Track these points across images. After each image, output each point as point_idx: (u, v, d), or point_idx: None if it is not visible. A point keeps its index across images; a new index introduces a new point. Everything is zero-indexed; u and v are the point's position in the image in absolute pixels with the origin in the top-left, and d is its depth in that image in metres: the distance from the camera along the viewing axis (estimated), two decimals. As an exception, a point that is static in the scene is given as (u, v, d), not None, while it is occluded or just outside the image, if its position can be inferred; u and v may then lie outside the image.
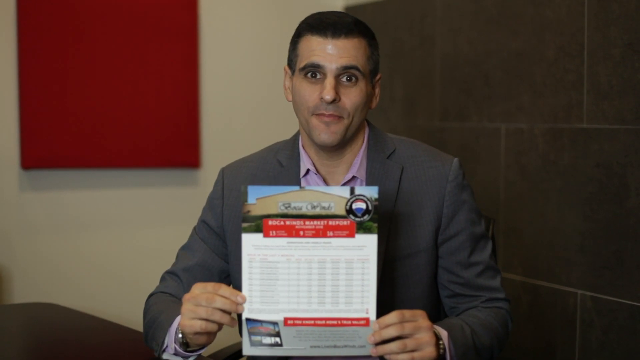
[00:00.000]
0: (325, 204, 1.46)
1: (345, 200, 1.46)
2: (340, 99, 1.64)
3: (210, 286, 1.49)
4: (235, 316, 1.52)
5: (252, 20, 3.34)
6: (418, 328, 1.46)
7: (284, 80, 1.78)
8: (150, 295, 1.79)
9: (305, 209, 1.46)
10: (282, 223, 1.46)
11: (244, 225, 1.46)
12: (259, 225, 1.46)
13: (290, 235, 1.46)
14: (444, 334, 1.54)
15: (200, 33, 3.21)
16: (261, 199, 1.46)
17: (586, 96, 2.45)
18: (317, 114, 1.65)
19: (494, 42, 2.78)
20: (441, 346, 1.50)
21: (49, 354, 1.91)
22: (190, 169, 3.23)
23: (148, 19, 3.07)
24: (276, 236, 1.46)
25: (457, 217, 1.71)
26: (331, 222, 1.46)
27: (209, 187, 1.87)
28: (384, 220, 1.65)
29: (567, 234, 2.52)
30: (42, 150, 2.92)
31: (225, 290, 1.48)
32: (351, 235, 1.46)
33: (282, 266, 1.46)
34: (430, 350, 1.47)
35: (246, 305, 1.47)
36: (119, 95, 3.03)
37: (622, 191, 2.34)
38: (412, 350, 1.45)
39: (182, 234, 2.13)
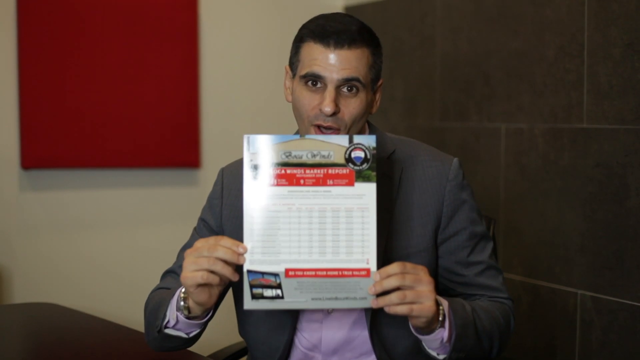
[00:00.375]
0: (325, 153, 1.47)
1: (344, 149, 1.47)
2: (339, 110, 1.63)
3: (212, 238, 1.49)
4: (237, 272, 1.50)
5: (252, 20, 3.34)
6: (419, 280, 1.46)
7: (284, 79, 1.77)
8: (150, 294, 1.79)
9: (306, 158, 1.47)
10: (283, 172, 1.47)
11: (246, 174, 1.47)
12: (260, 174, 1.47)
13: (291, 184, 1.46)
14: (444, 302, 1.53)
15: (200, 33, 3.21)
16: (262, 147, 1.47)
17: (586, 96, 2.45)
18: (316, 125, 1.65)
19: (494, 42, 2.78)
20: (441, 311, 1.50)
21: (49, 354, 1.91)
22: (190, 169, 3.23)
23: (148, 19, 3.07)
24: (277, 185, 1.46)
25: (456, 217, 1.71)
26: (331, 171, 1.47)
27: (209, 187, 1.87)
28: (384, 220, 1.65)
29: (567, 234, 2.52)
30: (42, 150, 2.92)
31: (227, 241, 1.47)
32: (350, 184, 1.47)
33: (283, 215, 1.46)
34: (429, 305, 1.46)
35: (248, 256, 1.46)
36: (119, 95, 3.03)
37: (622, 191, 2.34)
38: (412, 302, 1.44)
39: (182, 234, 2.13)
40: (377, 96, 1.74)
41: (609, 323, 2.39)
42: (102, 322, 2.16)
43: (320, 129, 1.64)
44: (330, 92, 1.62)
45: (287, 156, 1.47)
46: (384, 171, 1.71)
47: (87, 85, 2.98)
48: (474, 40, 2.87)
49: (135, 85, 3.05)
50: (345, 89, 1.64)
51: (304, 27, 1.69)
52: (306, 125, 1.66)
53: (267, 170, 1.46)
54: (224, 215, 1.78)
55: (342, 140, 1.47)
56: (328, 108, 1.61)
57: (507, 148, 2.74)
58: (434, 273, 1.73)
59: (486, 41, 2.82)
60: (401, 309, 1.44)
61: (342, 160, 1.47)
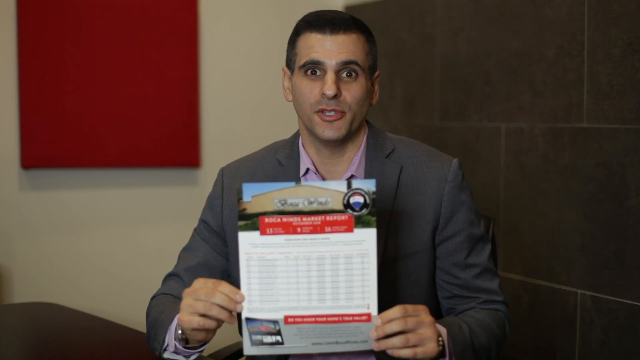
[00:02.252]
0: (322, 199, 1.44)
1: (343, 195, 1.44)
2: (341, 94, 1.64)
3: (210, 282, 1.49)
4: (235, 314, 1.51)
5: (252, 20, 3.34)
6: (421, 323, 1.46)
7: (282, 81, 1.78)
8: (152, 298, 1.79)
9: (302, 205, 1.44)
10: (278, 220, 1.44)
11: (240, 223, 1.44)
12: (255, 223, 1.44)
13: (287, 232, 1.44)
14: (443, 331, 1.54)
15: (200, 33, 3.21)
16: (256, 196, 1.44)
17: (586, 96, 2.45)
18: (319, 111, 1.65)
19: (494, 41, 2.78)
20: (440, 343, 1.50)
21: (49, 354, 1.91)
22: (190, 169, 3.23)
23: (148, 19, 3.07)
24: (273, 234, 1.44)
25: (455, 218, 1.71)
26: (329, 218, 1.44)
27: (209, 187, 1.87)
28: (382, 220, 1.65)
29: (567, 234, 2.52)
30: (42, 150, 2.92)
31: (225, 287, 1.47)
32: (350, 230, 1.44)
33: (281, 264, 1.45)
34: (432, 346, 1.46)
35: (245, 305, 1.45)
36: (119, 95, 3.03)
37: (622, 191, 2.34)
38: (415, 346, 1.45)
39: (182, 234, 2.13)
40: (376, 88, 1.75)
41: (609, 323, 2.39)
42: (102, 322, 2.16)
43: (324, 113, 1.64)
44: (330, 76, 1.63)
45: (282, 204, 1.44)
46: (384, 171, 1.71)
47: (87, 85, 2.98)
48: (473, 40, 2.87)
49: (135, 85, 3.05)
50: (344, 74, 1.65)
51: (298, 23, 1.72)
52: (308, 114, 1.67)
53: (262, 219, 1.44)
54: (224, 215, 1.78)
55: (340, 186, 1.44)
56: (330, 91, 1.62)
57: (507, 148, 2.74)
58: (432, 273, 1.73)
59: (486, 41, 2.82)
60: (405, 353, 1.45)
61: (340, 207, 1.44)
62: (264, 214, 1.44)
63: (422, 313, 1.47)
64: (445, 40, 3.01)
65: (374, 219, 1.44)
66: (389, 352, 1.45)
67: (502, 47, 2.76)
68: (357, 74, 1.66)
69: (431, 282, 1.74)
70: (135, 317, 2.71)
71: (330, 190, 1.44)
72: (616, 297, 2.37)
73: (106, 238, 3.10)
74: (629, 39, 2.31)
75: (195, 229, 1.84)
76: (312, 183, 1.47)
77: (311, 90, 1.66)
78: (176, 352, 1.63)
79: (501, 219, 2.76)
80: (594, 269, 2.44)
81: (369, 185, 1.44)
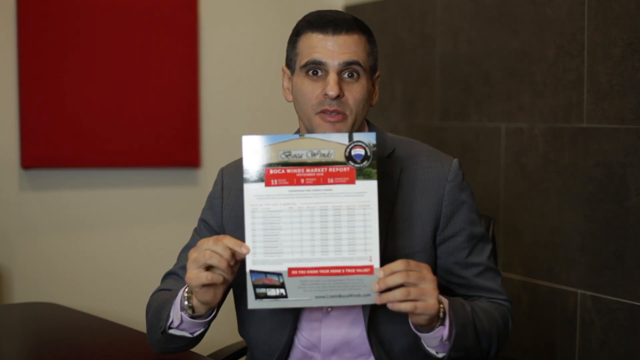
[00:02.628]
0: (325, 151, 1.47)
1: (344, 147, 1.47)
2: (343, 95, 1.64)
3: (214, 237, 1.51)
4: (235, 270, 1.51)
5: (252, 20, 3.34)
6: (422, 278, 1.46)
7: (282, 81, 1.77)
8: (151, 296, 1.79)
9: (306, 157, 1.47)
10: (283, 171, 1.47)
11: (246, 175, 1.47)
12: (260, 174, 1.47)
13: (291, 183, 1.47)
14: (445, 301, 1.53)
15: (200, 33, 3.21)
16: (262, 147, 1.47)
17: (586, 96, 2.45)
18: (320, 113, 1.65)
19: (494, 41, 2.78)
20: (441, 310, 1.50)
21: (49, 354, 1.91)
22: (190, 169, 3.23)
23: (148, 19, 3.07)
24: (278, 185, 1.47)
25: (455, 218, 1.71)
26: (331, 169, 1.47)
27: (209, 187, 1.87)
28: (383, 220, 1.65)
29: (567, 234, 2.52)
30: (42, 150, 2.92)
31: (229, 240, 1.48)
32: (351, 182, 1.47)
33: (285, 215, 1.47)
34: (432, 302, 1.46)
35: (250, 257, 1.47)
36: (118, 95, 3.03)
37: (622, 191, 2.34)
38: (415, 300, 1.45)
39: (182, 234, 2.13)
40: (376, 88, 1.75)
41: (609, 323, 2.39)
42: (102, 321, 2.16)
43: (326, 114, 1.64)
44: (332, 77, 1.63)
45: (286, 156, 1.46)
46: (384, 171, 1.71)
47: (87, 85, 2.98)
48: (473, 40, 2.87)
49: (135, 85, 3.05)
50: (346, 75, 1.65)
51: (299, 23, 1.72)
52: (310, 115, 1.66)
53: (267, 171, 1.46)
54: (224, 215, 1.78)
55: (342, 138, 1.47)
56: (332, 91, 1.62)
57: (507, 148, 2.74)
58: (433, 273, 1.73)
59: (486, 41, 2.82)
60: (405, 306, 1.45)
61: (342, 159, 1.47)
62: (269, 165, 1.47)
63: (425, 269, 1.48)
64: (445, 40, 3.00)
65: (374, 171, 1.47)
66: (389, 305, 1.45)
67: (502, 47, 2.76)
68: (358, 75, 1.66)
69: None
70: (135, 317, 2.71)
71: (333, 143, 1.47)
72: (616, 297, 2.37)
73: (106, 238, 3.10)
74: (629, 39, 2.31)
75: (195, 229, 1.84)
76: (315, 135, 1.49)
77: (313, 90, 1.65)
78: (180, 328, 1.62)
79: (501, 219, 2.76)
80: (594, 269, 2.44)
81: (370, 138, 1.47)
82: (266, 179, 1.47)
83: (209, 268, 1.49)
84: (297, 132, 1.80)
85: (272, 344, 1.73)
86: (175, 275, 1.79)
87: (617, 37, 2.34)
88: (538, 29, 2.62)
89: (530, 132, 2.65)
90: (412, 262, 1.47)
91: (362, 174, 1.47)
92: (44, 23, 2.90)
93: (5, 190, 2.92)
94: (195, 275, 1.49)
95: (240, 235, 1.50)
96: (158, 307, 1.68)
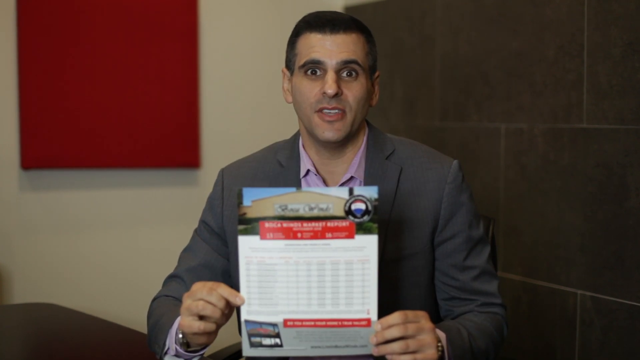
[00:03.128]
0: (324, 205, 1.43)
1: (344, 201, 1.43)
2: (342, 93, 1.64)
3: (209, 284, 1.49)
4: (226, 314, 1.50)
5: (252, 20, 3.34)
6: (421, 329, 1.46)
7: (282, 82, 1.77)
8: (153, 300, 1.78)
9: (303, 211, 1.43)
10: (279, 225, 1.43)
11: (240, 227, 1.44)
12: (255, 227, 1.43)
13: (287, 237, 1.43)
14: (442, 336, 1.54)
15: (200, 33, 3.21)
16: (257, 201, 1.43)
17: (586, 96, 2.45)
18: (319, 111, 1.65)
19: (494, 42, 2.78)
20: (439, 348, 1.50)
21: (49, 354, 1.91)
22: (190, 169, 3.23)
23: (148, 19, 3.07)
24: (273, 238, 1.43)
25: (454, 219, 1.70)
26: (330, 224, 1.43)
27: (209, 187, 1.87)
28: (382, 221, 1.65)
29: (567, 234, 2.52)
30: (42, 150, 2.92)
31: (224, 289, 1.47)
32: (350, 236, 1.43)
33: (281, 268, 1.44)
34: (431, 352, 1.46)
35: (245, 307, 1.45)
36: (119, 95, 3.03)
37: (622, 191, 2.34)
38: (414, 352, 1.45)
39: (182, 234, 2.13)
40: (376, 88, 1.75)
41: (609, 323, 2.39)
42: (102, 322, 2.16)
43: (325, 112, 1.64)
44: (331, 75, 1.63)
45: (282, 209, 1.43)
46: (383, 172, 1.71)
47: (87, 85, 2.98)
48: (473, 40, 2.87)
49: (135, 85, 3.06)
50: (345, 74, 1.65)
51: (298, 24, 1.72)
52: (309, 114, 1.66)
53: (262, 224, 1.43)
54: (225, 215, 1.77)
55: (342, 192, 1.43)
56: (331, 90, 1.61)
57: (507, 148, 2.74)
58: (431, 275, 1.73)
59: (486, 41, 2.82)
60: (404, 359, 1.44)
61: (341, 213, 1.43)
62: (264, 219, 1.43)
63: (422, 319, 1.47)
64: (445, 40, 3.01)
65: (375, 225, 1.43)
66: (388, 357, 1.45)
67: (502, 47, 2.76)
68: (357, 74, 1.66)
69: (430, 284, 1.74)
70: (134, 318, 2.71)
71: (332, 197, 1.43)
72: (616, 298, 2.37)
73: (106, 238, 3.10)
74: (628, 39, 2.31)
75: (195, 230, 1.84)
76: (313, 189, 1.46)
77: (311, 89, 1.65)
78: (177, 355, 1.63)
79: (501, 219, 2.76)
80: (594, 270, 2.44)
81: (371, 192, 1.43)
82: (261, 232, 1.43)
83: (202, 316, 1.48)
84: (296, 134, 1.79)
85: None
86: (178, 279, 1.78)
87: (617, 37, 2.34)
88: (538, 29, 2.62)
89: (530, 132, 2.65)
90: (410, 314, 1.45)
91: (362, 229, 1.43)
92: (44, 23, 2.91)
93: (5, 190, 2.92)
94: (188, 323, 1.48)
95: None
96: (155, 325, 1.67)
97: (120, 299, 3.09)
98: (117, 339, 2.01)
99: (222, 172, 1.83)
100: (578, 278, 2.49)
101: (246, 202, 1.43)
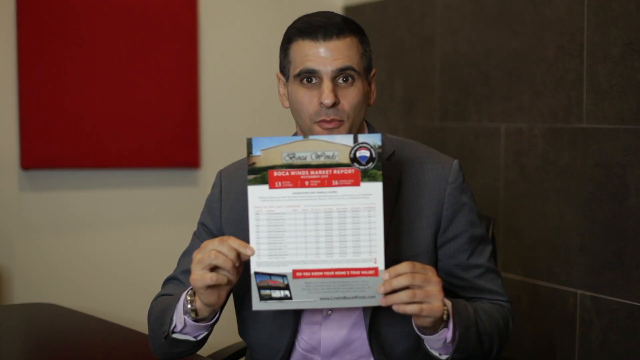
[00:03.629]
0: (330, 153, 1.45)
1: (349, 149, 1.45)
2: (339, 102, 1.63)
3: (219, 237, 1.50)
4: (240, 269, 1.50)
5: (252, 20, 3.34)
6: (428, 280, 1.46)
7: (277, 87, 1.77)
8: (152, 301, 1.77)
9: (310, 159, 1.45)
10: (287, 174, 1.46)
11: (250, 177, 1.46)
12: (264, 176, 1.46)
13: (295, 185, 1.46)
14: (448, 303, 1.52)
15: (200, 33, 3.21)
16: (266, 150, 1.46)
17: (586, 96, 2.45)
18: (319, 122, 1.64)
19: (494, 42, 2.78)
20: (445, 312, 1.49)
21: (49, 354, 1.91)
22: (190, 169, 3.23)
23: (148, 19, 3.07)
24: (282, 187, 1.46)
25: (456, 220, 1.70)
26: (336, 171, 1.46)
27: (209, 188, 1.87)
28: (384, 222, 1.64)
29: (567, 234, 2.52)
30: (41, 151, 2.92)
31: (234, 241, 1.48)
32: (356, 184, 1.46)
33: (289, 217, 1.46)
34: (438, 305, 1.46)
35: (254, 259, 1.46)
36: (118, 95, 3.03)
37: (621, 191, 2.34)
38: (421, 302, 1.44)
39: (182, 234, 2.13)
40: (373, 87, 1.74)
41: (609, 323, 2.39)
42: (101, 322, 2.16)
43: (323, 124, 1.63)
44: (327, 84, 1.62)
45: (290, 158, 1.46)
46: (384, 173, 1.71)
47: (87, 86, 2.98)
48: (473, 40, 2.87)
49: (135, 85, 3.06)
50: (341, 80, 1.64)
51: (289, 29, 1.70)
52: (309, 124, 1.66)
53: (271, 173, 1.46)
54: (223, 217, 1.77)
55: (347, 139, 1.46)
56: (328, 100, 1.61)
57: (507, 148, 2.74)
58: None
59: (486, 41, 2.82)
60: (410, 308, 1.44)
61: (347, 160, 1.46)
62: (273, 167, 1.46)
63: (430, 272, 1.47)
64: (444, 40, 3.00)
65: (380, 172, 1.45)
66: (395, 307, 1.45)
67: (501, 47, 2.76)
68: (353, 79, 1.65)
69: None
70: (134, 318, 2.72)
71: (337, 144, 1.45)
72: (616, 298, 2.37)
73: (106, 238, 3.10)
74: (628, 39, 2.31)
75: (194, 233, 1.83)
76: (319, 137, 1.48)
77: (309, 100, 1.64)
78: (184, 332, 1.62)
79: (501, 219, 2.76)
80: (594, 270, 2.44)
81: (375, 140, 1.46)
82: (270, 181, 1.46)
83: (213, 269, 1.49)
84: (295, 134, 1.79)
85: (272, 346, 1.72)
86: (176, 281, 1.78)
87: (617, 37, 2.34)
88: (537, 29, 2.62)
89: (529, 132, 2.65)
90: (418, 265, 1.46)
91: (367, 176, 1.46)
92: (43, 23, 2.90)
93: (5, 191, 2.92)
94: (200, 276, 1.48)
95: (240, 237, 1.50)
96: (160, 313, 1.67)
97: (120, 299, 3.09)
98: (117, 339, 2.01)
99: (220, 174, 1.83)
100: (578, 278, 2.49)
101: (255, 151, 1.46)
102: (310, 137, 1.48)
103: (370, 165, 1.46)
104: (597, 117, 2.42)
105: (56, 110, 2.94)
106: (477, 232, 1.73)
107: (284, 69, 1.71)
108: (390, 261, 1.57)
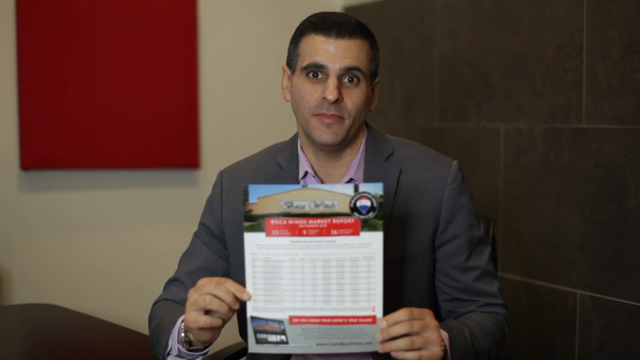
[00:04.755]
0: (329, 202, 1.43)
1: (349, 198, 1.43)
2: (342, 99, 1.63)
3: (215, 279, 1.49)
4: (235, 308, 1.50)
5: (252, 20, 3.34)
6: (426, 326, 1.46)
7: (281, 79, 1.77)
8: (154, 304, 1.78)
9: (308, 208, 1.43)
10: (284, 222, 1.43)
11: (246, 224, 1.44)
12: (260, 224, 1.43)
13: (293, 234, 1.43)
14: (444, 335, 1.53)
15: (200, 33, 3.21)
16: (262, 197, 1.43)
17: (585, 96, 2.46)
18: (317, 115, 1.64)
19: (493, 42, 2.79)
20: (442, 347, 1.50)
21: (49, 355, 1.91)
22: (190, 170, 3.23)
23: (148, 19, 3.07)
24: (279, 235, 1.43)
25: (454, 221, 1.70)
26: (335, 221, 1.43)
27: (209, 188, 1.87)
28: (383, 225, 1.64)
29: (566, 234, 2.53)
30: (41, 151, 2.92)
31: (232, 284, 1.47)
32: (356, 233, 1.43)
33: (286, 265, 1.44)
34: (436, 350, 1.46)
35: (251, 304, 1.45)
36: (118, 95, 3.03)
37: (621, 191, 2.35)
38: (419, 349, 1.45)
39: (181, 235, 2.14)
40: (375, 93, 1.74)
41: (609, 323, 2.39)
42: (101, 322, 2.16)
43: (322, 117, 1.63)
44: (332, 81, 1.62)
45: (288, 206, 1.43)
46: (383, 173, 1.71)
47: (87, 86, 2.98)
48: (473, 41, 2.88)
49: (134, 85, 3.06)
50: (346, 80, 1.64)
51: (302, 23, 1.70)
52: (307, 116, 1.66)
53: (267, 221, 1.43)
54: (224, 218, 1.77)
55: (347, 189, 1.43)
56: (331, 95, 1.61)
57: (507, 148, 2.74)
58: (432, 276, 1.73)
59: (485, 41, 2.82)
60: (410, 355, 1.44)
61: (347, 210, 1.43)
62: (270, 215, 1.43)
63: (427, 316, 1.47)
64: (444, 41, 3.01)
65: (380, 222, 1.43)
66: (394, 354, 1.45)
67: (501, 47, 2.76)
68: (359, 80, 1.65)
69: (431, 285, 1.74)
70: (134, 318, 2.72)
71: (337, 194, 1.43)
72: (615, 298, 2.37)
73: (105, 239, 3.10)
74: (627, 39, 2.31)
75: (195, 233, 1.83)
76: (318, 186, 1.46)
77: (312, 93, 1.64)
78: (179, 355, 1.63)
79: (500, 219, 2.76)
80: (594, 270, 2.44)
81: (376, 189, 1.43)
82: (267, 229, 1.43)
83: (208, 311, 1.48)
84: (295, 136, 1.79)
85: None
86: (178, 282, 1.78)
87: (616, 38, 2.35)
88: (537, 29, 2.62)
89: (529, 132, 2.65)
90: (415, 311, 1.46)
91: (368, 226, 1.43)
92: (43, 23, 2.91)
93: (5, 191, 2.92)
94: (194, 318, 1.48)
95: (240, 238, 1.50)
96: (157, 328, 1.67)
97: (120, 299, 3.09)
98: (117, 339, 2.01)
99: (221, 174, 1.82)
100: (578, 278, 2.49)
101: (252, 198, 1.43)
102: (310, 185, 1.46)
103: (371, 214, 1.43)
104: (596, 117, 2.42)
105: (56, 111, 2.94)
106: (476, 233, 1.73)
107: (291, 61, 1.71)
108: (389, 263, 1.57)
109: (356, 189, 1.43)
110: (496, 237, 2.66)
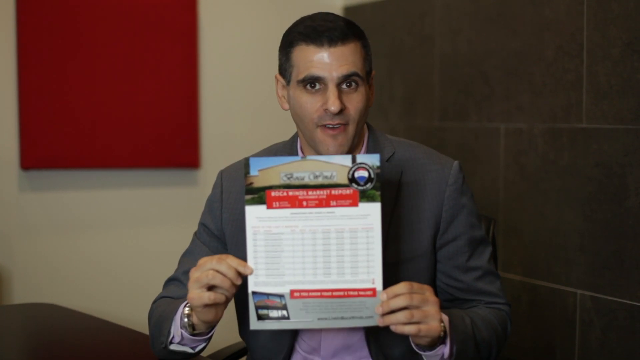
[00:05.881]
0: (328, 173, 1.45)
1: (347, 169, 1.45)
2: (345, 107, 1.62)
3: (217, 256, 1.49)
4: (237, 286, 1.50)
5: (252, 20, 3.34)
6: (425, 300, 1.46)
7: (275, 88, 1.76)
8: (153, 302, 1.78)
9: (308, 179, 1.45)
10: (285, 194, 1.45)
11: (247, 197, 1.46)
12: (262, 197, 1.46)
13: (293, 206, 1.45)
14: (445, 318, 1.53)
15: (200, 33, 3.21)
16: (263, 170, 1.46)
17: (585, 96, 2.46)
18: (322, 126, 1.63)
19: (493, 42, 2.79)
20: (442, 328, 1.50)
21: (49, 355, 1.91)
22: (190, 170, 3.23)
23: (148, 19, 3.07)
24: (279, 207, 1.45)
25: (456, 221, 1.70)
26: (334, 192, 1.45)
27: (209, 188, 1.87)
28: (383, 224, 1.64)
29: (566, 234, 2.53)
30: (41, 151, 2.92)
31: (233, 259, 1.47)
32: (354, 204, 1.46)
33: (287, 237, 1.46)
34: (435, 324, 1.46)
35: (252, 278, 1.46)
36: (118, 95, 3.03)
37: (621, 191, 2.35)
38: (418, 322, 1.45)
39: (181, 234, 2.14)
40: (372, 88, 1.73)
41: (609, 323, 2.39)
42: (101, 322, 2.16)
43: (328, 127, 1.63)
44: (332, 91, 1.61)
45: (288, 178, 1.45)
46: (384, 174, 1.71)
47: (87, 86, 2.98)
48: (473, 40, 2.88)
49: (135, 85, 3.06)
50: (345, 86, 1.63)
51: (291, 32, 1.67)
52: (311, 129, 1.65)
53: (268, 193, 1.45)
54: (224, 218, 1.77)
55: (345, 160, 1.45)
56: (334, 107, 1.60)
57: (507, 148, 2.74)
58: (433, 277, 1.73)
59: (485, 41, 2.82)
60: (408, 329, 1.44)
61: (345, 181, 1.45)
62: (271, 187, 1.45)
63: (427, 291, 1.47)
64: (444, 40, 3.01)
65: (378, 193, 1.45)
66: (392, 328, 1.45)
67: (501, 47, 2.76)
68: (357, 84, 1.64)
69: (432, 286, 1.73)
70: (134, 318, 2.72)
71: (335, 165, 1.45)
72: (616, 298, 2.37)
73: (106, 239, 3.10)
74: (628, 39, 2.31)
75: (195, 233, 1.83)
76: (317, 157, 1.48)
77: (312, 104, 1.63)
78: (182, 343, 1.62)
79: (501, 219, 2.76)
80: (594, 269, 2.44)
81: (374, 160, 1.45)
82: (268, 201, 1.45)
83: (211, 288, 1.49)
84: (295, 135, 1.79)
85: (272, 347, 1.72)
86: (177, 282, 1.78)
87: (616, 37, 2.35)
88: (537, 29, 2.62)
89: (529, 132, 2.65)
90: (415, 285, 1.46)
91: (366, 197, 1.45)
92: (43, 24, 2.91)
93: (5, 191, 2.92)
94: (197, 295, 1.48)
95: (240, 238, 1.50)
96: (159, 319, 1.67)
97: (120, 299, 3.10)
98: (117, 339, 2.01)
99: (221, 174, 1.82)
100: (578, 278, 2.49)
101: (253, 171, 1.46)
102: (309, 157, 1.48)
103: (369, 185, 1.45)
104: (596, 117, 2.42)
105: (56, 110, 2.94)
106: (477, 234, 1.73)
107: (284, 71, 1.69)
108: (390, 264, 1.57)
109: (354, 159, 1.46)
110: (496, 237, 2.67)
